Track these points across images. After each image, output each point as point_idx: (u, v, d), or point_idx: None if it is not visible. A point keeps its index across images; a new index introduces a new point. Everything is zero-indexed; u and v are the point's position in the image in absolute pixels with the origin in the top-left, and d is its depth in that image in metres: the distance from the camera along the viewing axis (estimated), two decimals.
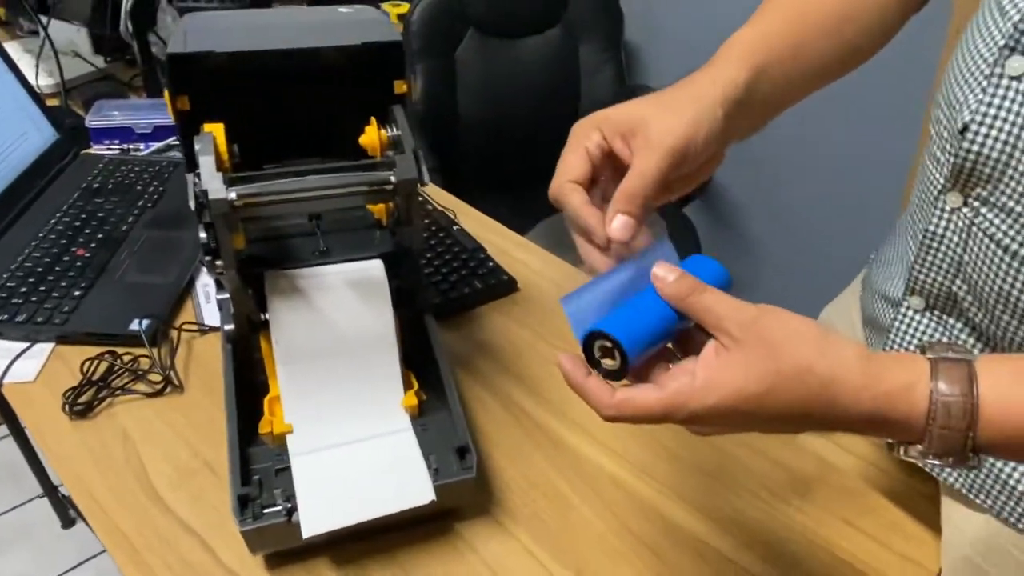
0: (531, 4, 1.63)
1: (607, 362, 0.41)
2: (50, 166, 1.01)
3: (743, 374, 0.37)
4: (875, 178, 1.35)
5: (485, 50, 1.60)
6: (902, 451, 0.38)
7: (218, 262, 0.55)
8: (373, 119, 0.61)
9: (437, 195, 1.05)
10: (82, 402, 0.71)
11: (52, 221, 0.91)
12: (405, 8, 1.56)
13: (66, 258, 0.86)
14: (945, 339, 0.57)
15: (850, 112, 1.31)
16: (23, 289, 0.81)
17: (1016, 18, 0.45)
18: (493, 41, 1.60)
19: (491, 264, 0.90)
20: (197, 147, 0.54)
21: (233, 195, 0.52)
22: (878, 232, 0.71)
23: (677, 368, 0.40)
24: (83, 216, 0.93)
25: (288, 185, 0.54)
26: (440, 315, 0.72)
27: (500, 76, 1.61)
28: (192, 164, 0.56)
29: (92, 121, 1.09)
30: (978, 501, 0.57)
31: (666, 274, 0.41)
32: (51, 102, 1.15)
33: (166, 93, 0.58)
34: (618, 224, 0.44)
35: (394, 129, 0.59)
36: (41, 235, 0.89)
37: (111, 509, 0.63)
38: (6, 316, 0.78)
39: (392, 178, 0.55)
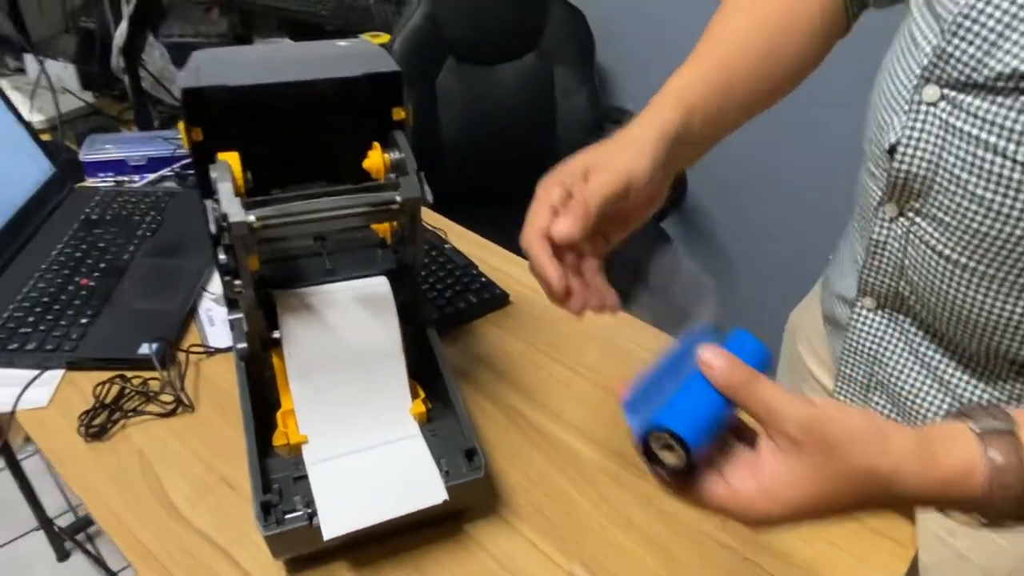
0: (507, 32, 1.69)
1: (667, 456, 0.39)
2: (48, 199, 1.03)
3: (809, 481, 0.37)
4: (833, 188, 1.42)
5: (464, 76, 1.65)
6: (961, 517, 0.40)
7: (237, 282, 0.58)
8: (376, 144, 0.65)
9: (427, 216, 1.09)
10: (97, 424, 0.73)
11: (54, 253, 0.94)
12: (386, 39, 1.61)
13: (71, 287, 0.88)
14: (898, 334, 0.61)
15: (810, 129, 1.38)
16: (31, 319, 0.83)
17: (928, 51, 0.50)
18: (471, 68, 1.66)
19: (483, 279, 0.94)
20: (214, 175, 0.58)
21: (252, 218, 0.55)
22: (838, 236, 0.76)
23: (739, 463, 0.40)
24: (84, 247, 0.95)
25: (302, 207, 0.58)
26: (438, 330, 0.75)
27: (480, 101, 1.66)
28: (208, 191, 0.60)
29: (86, 155, 1.12)
30: None
31: (712, 359, 0.40)
32: (43, 137, 1.17)
33: (181, 125, 0.61)
34: (562, 224, 0.49)
35: (396, 153, 0.64)
36: (44, 266, 0.91)
37: (133, 526, 0.65)
38: (16, 345, 0.80)
39: (398, 197, 0.59)
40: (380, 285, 0.68)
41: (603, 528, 0.66)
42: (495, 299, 0.92)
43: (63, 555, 1.48)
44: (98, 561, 1.42)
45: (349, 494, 0.60)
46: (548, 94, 1.72)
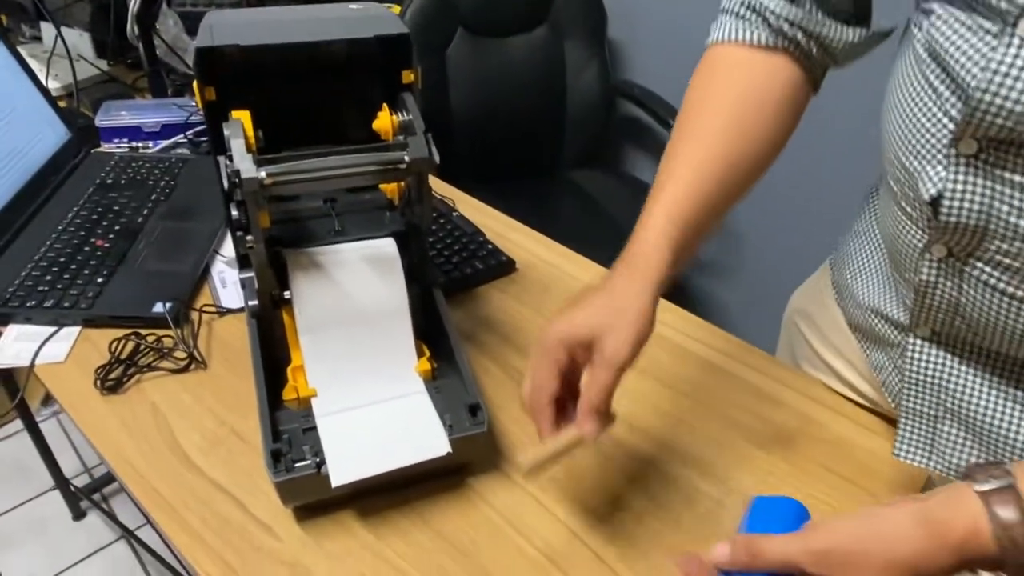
0: (518, 4, 1.69)
1: None
2: (64, 163, 1.05)
3: None
4: (837, 173, 1.42)
5: (475, 49, 1.65)
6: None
7: (248, 237, 0.60)
8: (385, 105, 0.66)
9: (436, 184, 1.10)
10: (112, 378, 0.76)
11: (70, 215, 0.96)
12: (396, 10, 1.61)
13: (86, 248, 0.90)
14: (961, 361, 0.59)
15: (815, 114, 1.38)
16: (48, 277, 0.85)
17: (957, 108, 0.48)
18: (482, 40, 1.66)
19: (490, 247, 0.96)
20: (227, 132, 0.59)
21: (263, 174, 0.57)
22: (844, 217, 0.76)
23: None
24: (99, 210, 0.97)
25: (312, 165, 0.59)
26: (445, 294, 0.77)
27: (490, 73, 1.67)
28: (221, 148, 0.61)
29: (102, 121, 1.14)
30: None
31: (722, 552, 0.45)
32: (59, 104, 1.19)
33: (195, 84, 0.63)
34: (590, 424, 0.54)
35: (405, 114, 0.65)
36: (60, 228, 0.94)
37: (148, 474, 0.68)
38: (34, 302, 0.82)
39: (406, 157, 0.61)
40: (388, 246, 0.70)
41: (602, 485, 0.67)
42: (501, 266, 0.93)
43: (79, 514, 1.52)
44: (114, 519, 1.46)
45: (356, 445, 0.62)
46: (558, 67, 1.72)
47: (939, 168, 0.50)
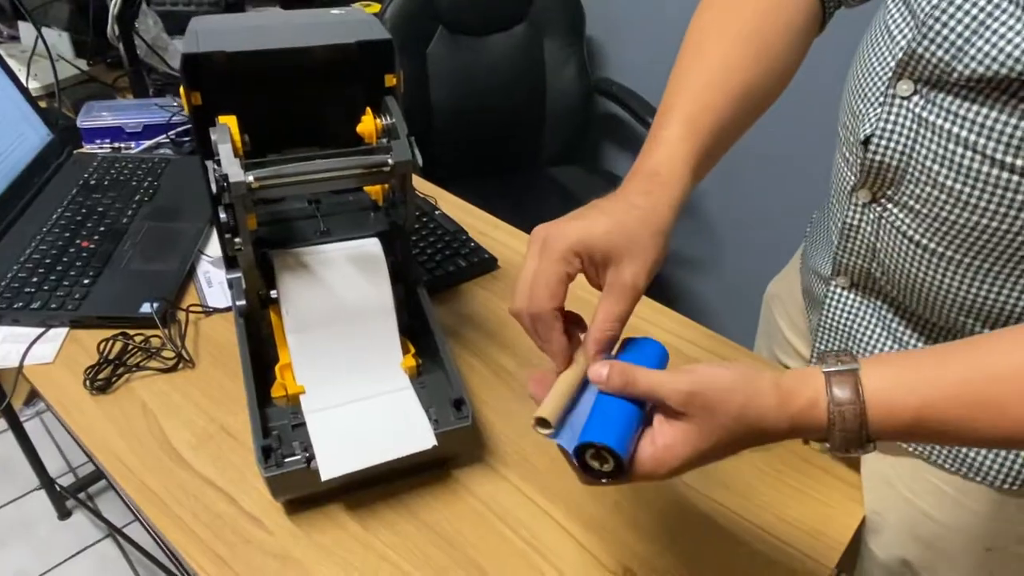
0: (497, 3, 1.70)
1: (603, 466, 0.45)
2: (47, 164, 1.06)
3: (696, 439, 0.44)
4: (814, 161, 1.45)
5: (454, 47, 1.67)
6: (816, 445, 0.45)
7: (236, 239, 0.61)
8: (369, 109, 0.67)
9: (418, 183, 1.11)
10: (102, 379, 0.77)
11: (55, 216, 0.96)
12: (376, 8, 1.62)
13: (72, 250, 0.91)
14: (871, 312, 0.64)
15: (793, 103, 1.41)
16: (34, 279, 0.86)
17: (903, 45, 0.52)
18: (462, 38, 1.67)
19: (472, 244, 0.97)
20: (214, 137, 0.61)
21: (251, 178, 0.59)
22: (819, 209, 0.79)
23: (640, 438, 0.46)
24: (83, 211, 0.98)
25: (298, 168, 0.61)
26: (428, 292, 0.79)
27: (470, 71, 1.68)
28: (208, 152, 0.63)
29: (83, 121, 1.14)
30: (909, 448, 0.65)
31: (599, 371, 0.46)
32: (40, 104, 1.19)
33: (181, 89, 0.64)
34: (598, 367, 0.47)
35: (388, 118, 0.66)
36: (45, 229, 0.94)
37: (139, 472, 0.69)
38: (21, 304, 0.83)
39: (390, 160, 0.62)
40: (372, 245, 0.71)
41: None
42: (484, 263, 0.95)
43: (64, 514, 1.52)
44: (100, 517, 1.46)
45: (345, 440, 0.64)
46: (538, 65, 1.74)
47: (877, 109, 0.55)
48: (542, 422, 0.47)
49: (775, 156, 1.56)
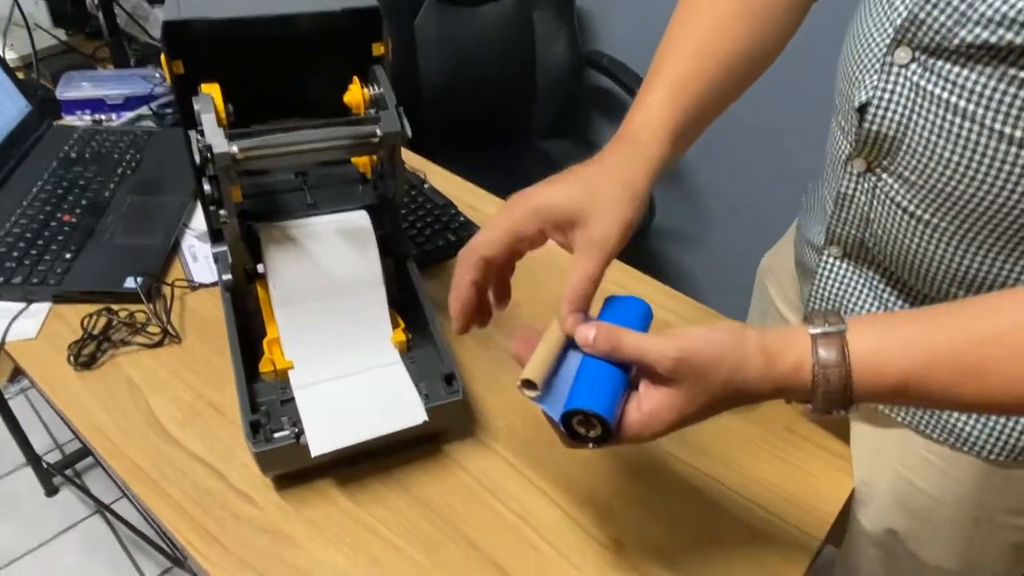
0: None
1: (590, 431, 0.45)
2: (26, 137, 1.03)
3: (683, 404, 0.44)
4: (809, 133, 1.44)
5: (444, 18, 1.64)
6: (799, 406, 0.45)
7: (221, 212, 0.60)
8: (356, 78, 0.66)
9: (406, 156, 1.10)
10: (86, 354, 0.76)
11: (35, 190, 0.94)
12: None
13: (53, 223, 0.89)
14: (863, 282, 0.64)
15: (787, 73, 1.40)
16: (15, 253, 0.84)
17: (902, 13, 0.51)
18: (451, 9, 1.64)
19: (462, 218, 0.96)
20: (197, 106, 0.59)
21: (235, 148, 0.57)
22: (813, 181, 0.78)
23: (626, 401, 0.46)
24: (64, 184, 0.96)
25: (284, 139, 0.59)
26: (418, 266, 0.78)
27: (459, 43, 1.66)
28: (190, 122, 0.61)
29: (63, 93, 1.11)
30: (898, 419, 0.65)
31: (585, 333, 0.46)
32: (17, 75, 1.16)
33: (163, 57, 0.62)
34: (573, 321, 0.48)
35: (376, 88, 0.65)
36: (26, 203, 0.92)
37: (126, 448, 0.68)
38: (2, 278, 0.81)
39: (378, 131, 0.61)
40: (360, 219, 0.70)
41: (573, 450, 0.70)
42: (472, 238, 0.94)
43: (52, 490, 1.51)
44: (88, 494, 1.45)
45: (334, 415, 0.63)
46: (528, 37, 1.71)
47: (874, 76, 0.54)
48: (528, 384, 0.46)
49: (768, 127, 1.55)
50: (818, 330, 0.43)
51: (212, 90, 0.60)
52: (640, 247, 1.95)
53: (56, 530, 1.46)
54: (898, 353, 0.42)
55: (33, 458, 1.44)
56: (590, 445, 0.46)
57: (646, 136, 0.52)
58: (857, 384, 0.42)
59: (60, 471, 1.48)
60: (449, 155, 1.23)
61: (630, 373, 0.46)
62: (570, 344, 0.49)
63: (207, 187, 0.59)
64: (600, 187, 0.48)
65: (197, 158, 0.58)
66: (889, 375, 0.42)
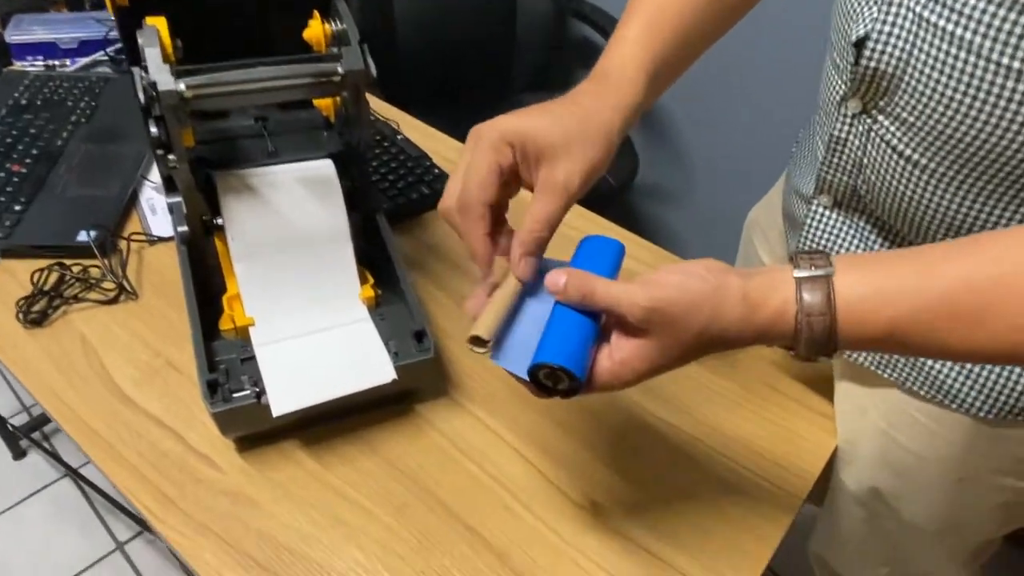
0: None
1: (558, 384, 0.43)
2: None
3: (656, 353, 0.42)
4: (796, 82, 1.40)
5: None
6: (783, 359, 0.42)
7: (170, 156, 0.56)
8: (316, 12, 0.61)
9: (380, 107, 1.05)
10: (36, 311, 0.72)
11: None
12: None
13: (1, 174, 0.84)
14: (853, 232, 0.62)
15: (773, 18, 1.35)
16: None
17: None
18: None
19: (436, 171, 0.92)
20: (141, 40, 0.54)
21: (183, 86, 0.53)
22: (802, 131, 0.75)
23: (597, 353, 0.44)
24: (14, 132, 0.90)
25: (237, 76, 0.55)
26: (390, 220, 0.74)
27: None
28: (136, 59, 0.56)
29: (12, 36, 1.05)
30: (885, 375, 0.63)
31: (556, 280, 0.43)
32: None
33: None
34: (525, 265, 0.45)
35: (338, 23, 0.60)
36: None
37: (81, 411, 0.65)
38: None
39: (340, 69, 0.57)
40: (325, 167, 0.66)
41: (550, 410, 0.67)
42: None
43: (19, 453, 1.47)
44: (56, 458, 1.42)
45: (297, 374, 0.60)
46: None
47: (873, 8, 0.50)
48: (476, 340, 0.43)
49: (756, 72, 1.51)
50: (804, 273, 0.41)
51: (158, 23, 0.55)
52: (624, 204, 1.92)
53: (25, 493, 1.43)
54: (887, 300, 0.39)
55: None
56: (558, 396, 0.44)
57: (618, 76, 0.49)
58: (842, 332, 0.40)
59: (26, 434, 1.44)
60: (425, 106, 1.17)
61: (600, 320, 0.44)
62: (526, 292, 0.46)
63: (154, 129, 0.54)
64: (568, 125, 0.46)
65: (142, 97, 0.53)
66: (876, 322, 0.40)
